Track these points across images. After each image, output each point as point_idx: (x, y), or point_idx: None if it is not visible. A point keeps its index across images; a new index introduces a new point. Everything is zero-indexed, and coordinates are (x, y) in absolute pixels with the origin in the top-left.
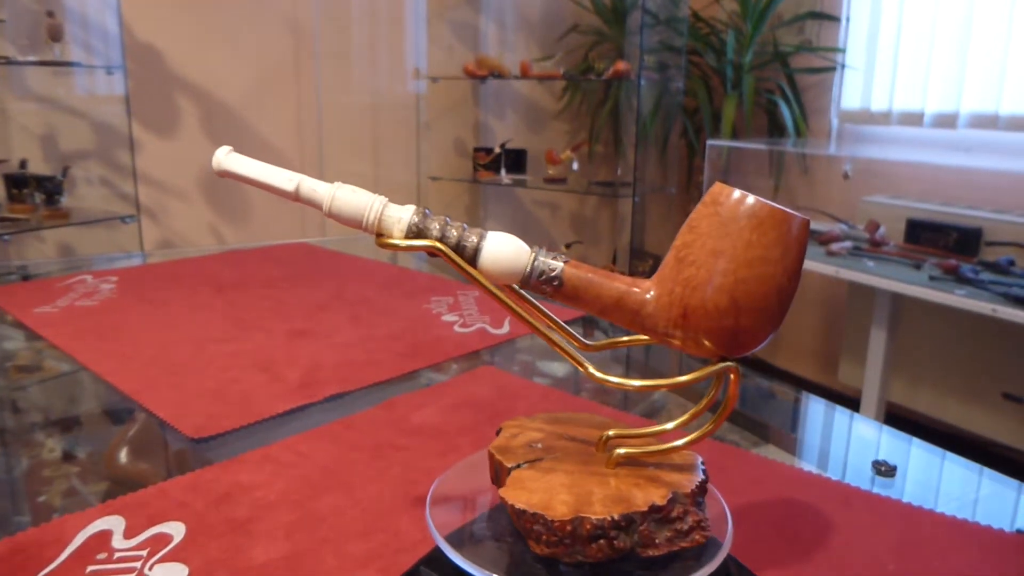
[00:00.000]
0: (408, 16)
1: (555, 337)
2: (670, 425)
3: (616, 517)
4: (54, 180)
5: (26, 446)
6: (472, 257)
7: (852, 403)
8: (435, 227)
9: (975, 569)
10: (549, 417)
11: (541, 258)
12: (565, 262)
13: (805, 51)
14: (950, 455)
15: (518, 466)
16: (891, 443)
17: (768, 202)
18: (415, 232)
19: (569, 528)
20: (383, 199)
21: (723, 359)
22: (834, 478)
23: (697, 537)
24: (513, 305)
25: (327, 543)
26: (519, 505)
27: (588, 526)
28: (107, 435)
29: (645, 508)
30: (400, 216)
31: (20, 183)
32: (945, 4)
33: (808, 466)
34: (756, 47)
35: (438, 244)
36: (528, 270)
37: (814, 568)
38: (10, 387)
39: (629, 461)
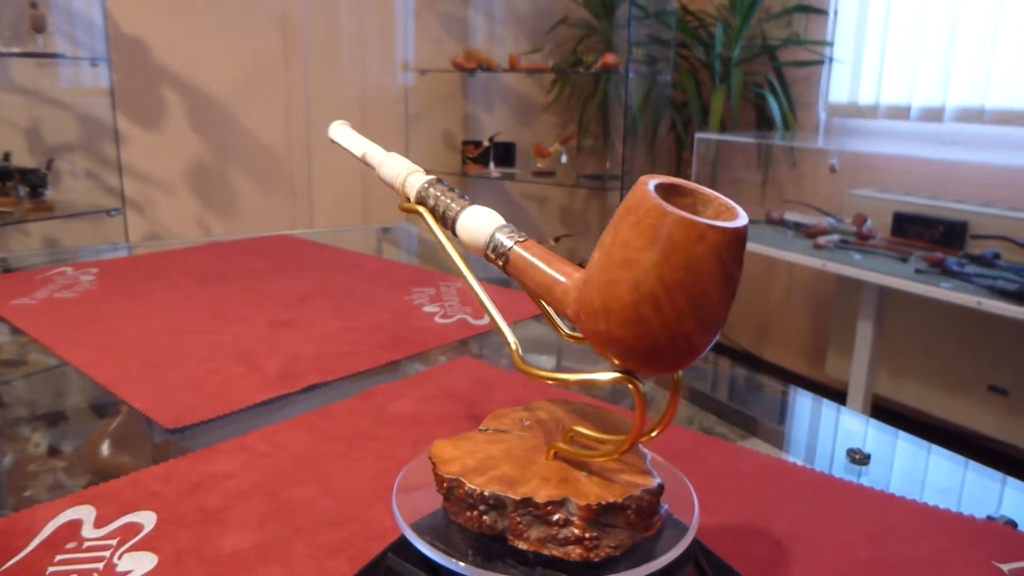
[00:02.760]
0: (396, 8)
1: (498, 318)
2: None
3: (487, 492)
4: (38, 173)
5: (11, 441)
6: (452, 226)
7: (839, 396)
8: (433, 195)
9: (944, 555)
10: (577, 407)
11: (499, 233)
12: (519, 242)
13: (793, 45)
14: (922, 443)
15: (484, 430)
16: (867, 432)
17: (670, 207)
18: (420, 198)
19: (446, 485)
20: (412, 169)
21: (628, 371)
22: (809, 466)
23: (573, 551)
24: (469, 276)
25: (299, 532)
26: (430, 453)
27: (461, 491)
28: (91, 429)
29: (518, 497)
30: (415, 183)
31: (4, 176)
32: None
33: (788, 456)
34: (744, 41)
35: (418, 207)
36: (486, 241)
37: (784, 554)
38: None
39: (563, 458)
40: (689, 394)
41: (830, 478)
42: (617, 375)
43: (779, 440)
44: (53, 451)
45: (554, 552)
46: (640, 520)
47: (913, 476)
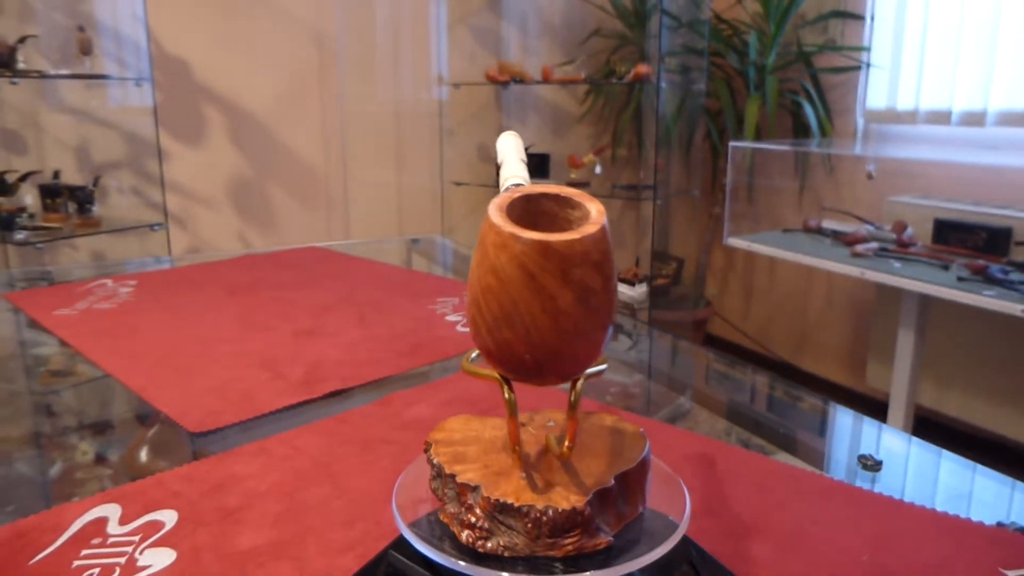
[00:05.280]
0: (430, 23)
1: None
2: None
3: (436, 461)
4: (86, 190)
5: (60, 449)
6: None
7: (880, 407)
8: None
9: (950, 560)
10: (601, 420)
11: None
12: None
13: (829, 51)
14: (945, 451)
15: None
16: (909, 447)
17: (495, 216)
18: None
19: (424, 448)
20: (511, 175)
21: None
22: (819, 472)
23: (464, 534)
24: None
25: (311, 531)
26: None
27: (428, 455)
28: (132, 437)
29: (448, 472)
30: (505, 188)
31: (53, 193)
32: (971, 0)
33: (800, 462)
34: (779, 47)
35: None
36: None
37: (785, 557)
38: (41, 391)
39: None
40: (726, 408)
41: (839, 484)
42: (488, 371)
43: (810, 452)
44: (100, 459)
45: (455, 529)
46: (538, 532)
47: (929, 482)
